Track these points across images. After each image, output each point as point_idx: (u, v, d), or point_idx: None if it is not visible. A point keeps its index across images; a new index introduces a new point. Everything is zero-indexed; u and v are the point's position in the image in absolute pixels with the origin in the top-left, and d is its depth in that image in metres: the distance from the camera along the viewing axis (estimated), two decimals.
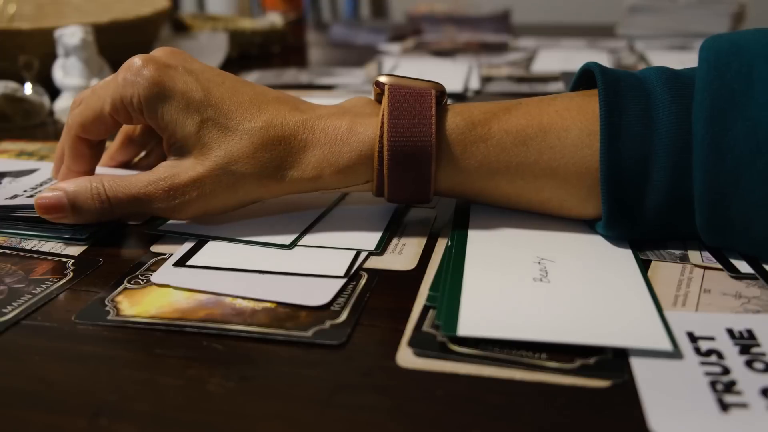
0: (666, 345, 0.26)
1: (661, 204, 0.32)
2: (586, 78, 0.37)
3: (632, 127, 0.32)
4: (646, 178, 0.32)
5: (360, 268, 0.33)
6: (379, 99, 0.36)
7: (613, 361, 0.25)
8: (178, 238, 0.36)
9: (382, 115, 0.33)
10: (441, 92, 0.35)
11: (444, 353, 0.26)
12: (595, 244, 0.34)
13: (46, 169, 0.46)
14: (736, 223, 0.31)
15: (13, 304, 0.30)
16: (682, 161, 0.31)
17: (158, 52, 0.36)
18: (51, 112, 0.65)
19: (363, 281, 0.32)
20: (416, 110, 0.33)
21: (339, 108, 0.36)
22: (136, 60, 0.34)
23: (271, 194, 0.35)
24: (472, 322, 0.27)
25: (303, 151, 0.34)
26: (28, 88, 0.63)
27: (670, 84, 0.32)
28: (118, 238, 0.37)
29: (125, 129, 0.42)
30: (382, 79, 0.35)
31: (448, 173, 0.34)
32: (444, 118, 0.34)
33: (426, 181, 0.34)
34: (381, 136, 0.33)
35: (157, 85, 0.34)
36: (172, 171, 0.34)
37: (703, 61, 0.31)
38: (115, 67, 0.66)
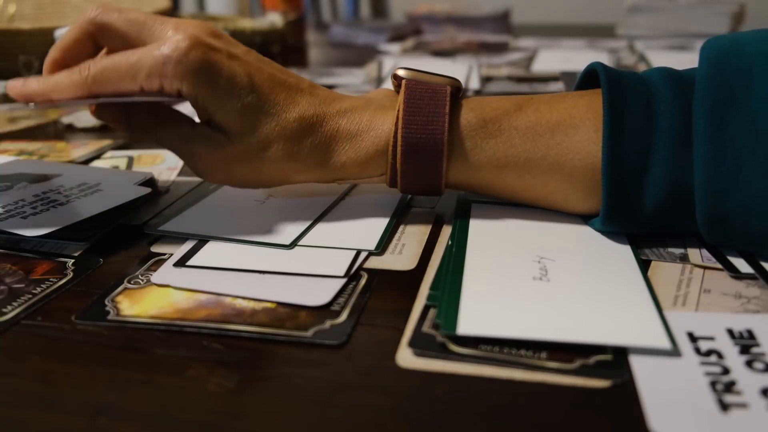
0: (665, 344, 0.26)
1: (661, 197, 0.32)
2: (590, 79, 0.37)
3: (634, 119, 0.32)
4: (646, 170, 0.32)
5: (360, 268, 0.33)
6: (398, 91, 0.37)
7: (613, 361, 0.25)
8: (178, 238, 0.36)
9: (398, 111, 0.35)
10: (457, 88, 0.36)
11: (444, 353, 0.26)
12: (594, 243, 0.34)
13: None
14: (736, 215, 0.31)
15: (13, 304, 0.30)
16: (683, 155, 0.31)
17: (197, 30, 0.35)
18: None
19: (363, 281, 0.32)
20: (430, 107, 0.35)
21: (363, 100, 0.37)
22: (181, 40, 0.34)
23: (293, 181, 0.37)
24: (471, 320, 0.27)
25: (327, 144, 0.36)
26: None
27: (672, 81, 0.33)
28: (118, 238, 0.37)
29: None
30: (401, 72, 0.36)
31: (458, 168, 0.35)
32: (457, 115, 0.35)
33: (438, 175, 0.35)
34: (396, 132, 0.34)
35: (204, 69, 0.34)
36: (206, 145, 0.36)
37: (704, 59, 0.32)
38: None
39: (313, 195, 0.41)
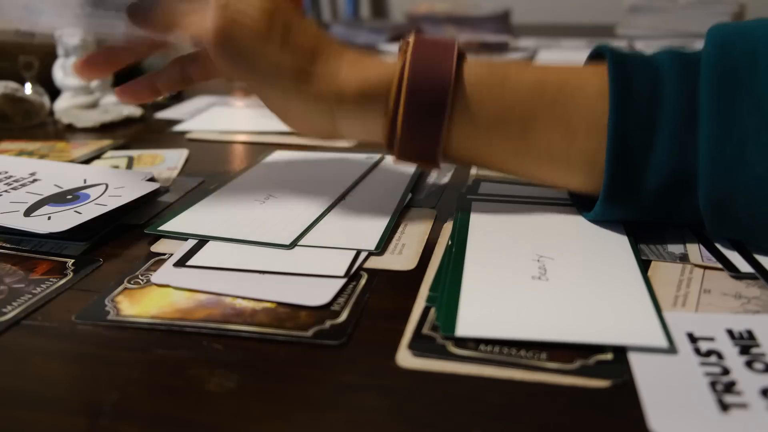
0: (661, 342, 0.26)
1: (663, 176, 0.32)
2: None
3: (640, 98, 0.32)
4: (650, 147, 0.32)
5: (360, 268, 0.33)
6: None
7: (613, 361, 0.25)
8: (178, 238, 0.36)
9: (406, 52, 0.35)
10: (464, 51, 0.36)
11: (444, 355, 0.26)
12: (594, 242, 0.34)
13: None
14: (739, 197, 0.31)
15: (13, 304, 0.30)
16: (687, 134, 0.31)
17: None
18: (51, 112, 0.65)
19: (363, 281, 0.32)
20: (438, 53, 0.35)
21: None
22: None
23: (292, 102, 0.36)
24: (470, 322, 0.27)
25: (333, 61, 0.36)
26: (28, 88, 0.63)
27: (678, 62, 0.33)
28: (118, 238, 0.37)
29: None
30: (410, 37, 0.37)
31: (462, 123, 0.35)
32: (464, 65, 0.35)
33: (438, 126, 0.34)
34: (402, 68, 0.34)
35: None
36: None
37: (709, 43, 0.32)
38: None
39: (313, 194, 0.41)
